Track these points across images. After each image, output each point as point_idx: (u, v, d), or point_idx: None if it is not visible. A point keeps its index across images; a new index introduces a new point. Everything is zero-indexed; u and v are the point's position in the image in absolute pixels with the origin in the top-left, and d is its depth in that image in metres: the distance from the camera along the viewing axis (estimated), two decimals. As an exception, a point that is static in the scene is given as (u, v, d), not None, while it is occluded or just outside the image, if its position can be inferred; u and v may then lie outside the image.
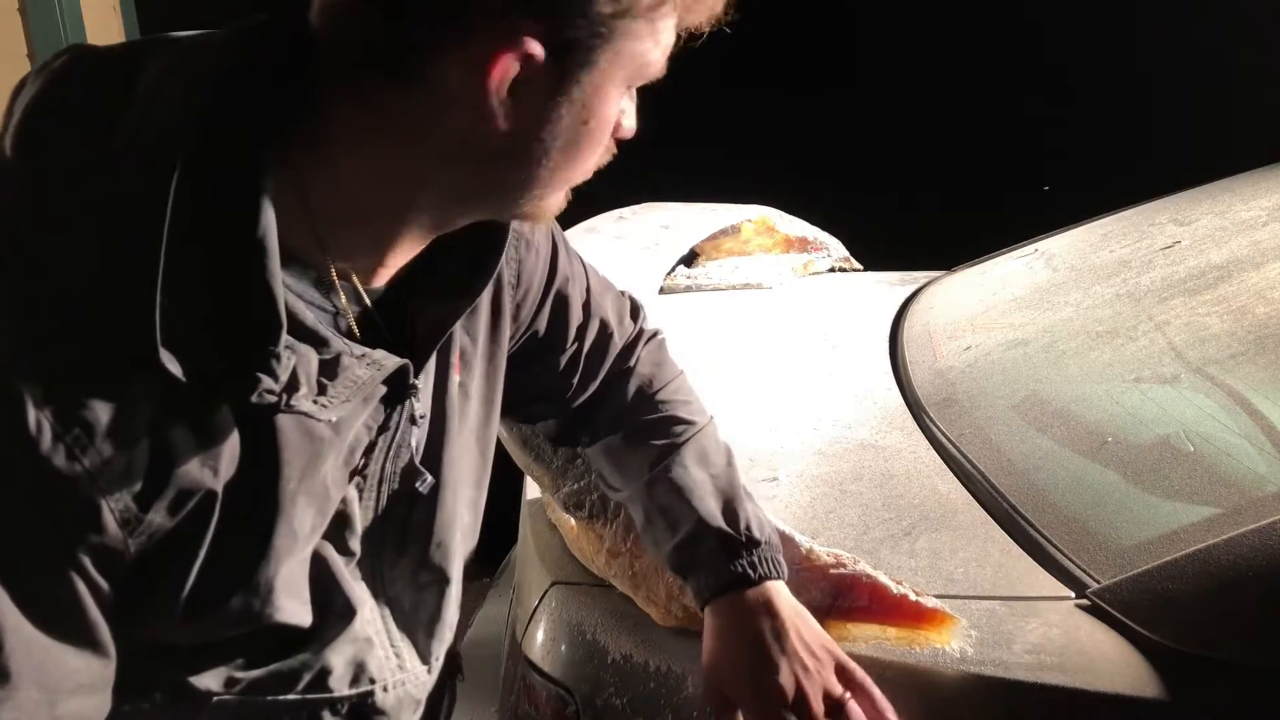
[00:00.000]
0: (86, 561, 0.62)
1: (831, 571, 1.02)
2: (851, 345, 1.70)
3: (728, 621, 0.95)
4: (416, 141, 0.66)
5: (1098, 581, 1.03)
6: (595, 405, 1.07)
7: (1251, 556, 0.96)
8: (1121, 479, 1.18)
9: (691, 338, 1.74)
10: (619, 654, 1.05)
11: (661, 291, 1.93)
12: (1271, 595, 0.94)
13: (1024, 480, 1.22)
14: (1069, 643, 0.97)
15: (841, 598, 1.01)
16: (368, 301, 0.73)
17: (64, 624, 0.62)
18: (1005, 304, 1.72)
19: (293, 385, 0.65)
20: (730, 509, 0.99)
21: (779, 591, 0.96)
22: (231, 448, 0.65)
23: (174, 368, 0.60)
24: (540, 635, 1.13)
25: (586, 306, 1.02)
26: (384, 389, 0.74)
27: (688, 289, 1.98)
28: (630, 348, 1.09)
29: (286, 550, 0.70)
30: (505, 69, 0.62)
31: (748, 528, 0.98)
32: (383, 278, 0.74)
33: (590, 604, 1.11)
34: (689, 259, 2.10)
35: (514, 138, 0.66)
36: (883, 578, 1.01)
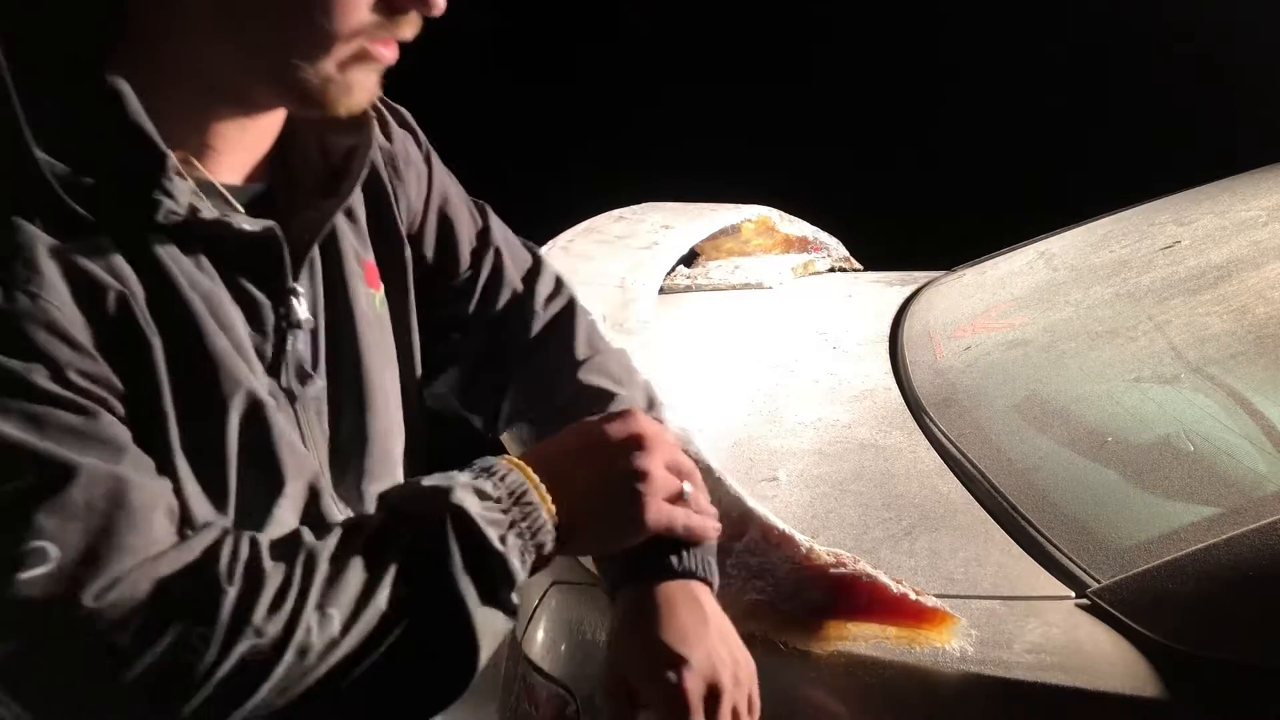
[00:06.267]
0: (71, 373, 0.65)
1: (831, 571, 1.02)
2: (851, 345, 1.70)
3: (642, 606, 0.84)
4: (187, 15, 0.69)
5: (1098, 581, 1.03)
6: (511, 367, 1.00)
7: (1251, 556, 0.96)
8: (1121, 479, 1.18)
9: (691, 338, 1.74)
10: (619, 654, 1.05)
11: (661, 291, 1.93)
12: (1271, 595, 0.94)
13: (1024, 480, 1.22)
14: (1069, 642, 0.97)
15: (841, 598, 1.01)
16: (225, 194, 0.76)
17: (83, 416, 0.65)
18: (1005, 304, 1.72)
19: (193, 210, 0.70)
20: None
21: (707, 594, 0.86)
22: (148, 272, 0.70)
23: (75, 204, 0.65)
24: (540, 635, 1.13)
25: (483, 234, 0.99)
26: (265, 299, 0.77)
27: (688, 289, 1.98)
28: (546, 299, 1.02)
29: (234, 367, 0.73)
30: None
31: None
32: (228, 170, 0.76)
33: (590, 604, 1.11)
34: (689, 259, 2.10)
35: None
36: (883, 577, 1.01)
